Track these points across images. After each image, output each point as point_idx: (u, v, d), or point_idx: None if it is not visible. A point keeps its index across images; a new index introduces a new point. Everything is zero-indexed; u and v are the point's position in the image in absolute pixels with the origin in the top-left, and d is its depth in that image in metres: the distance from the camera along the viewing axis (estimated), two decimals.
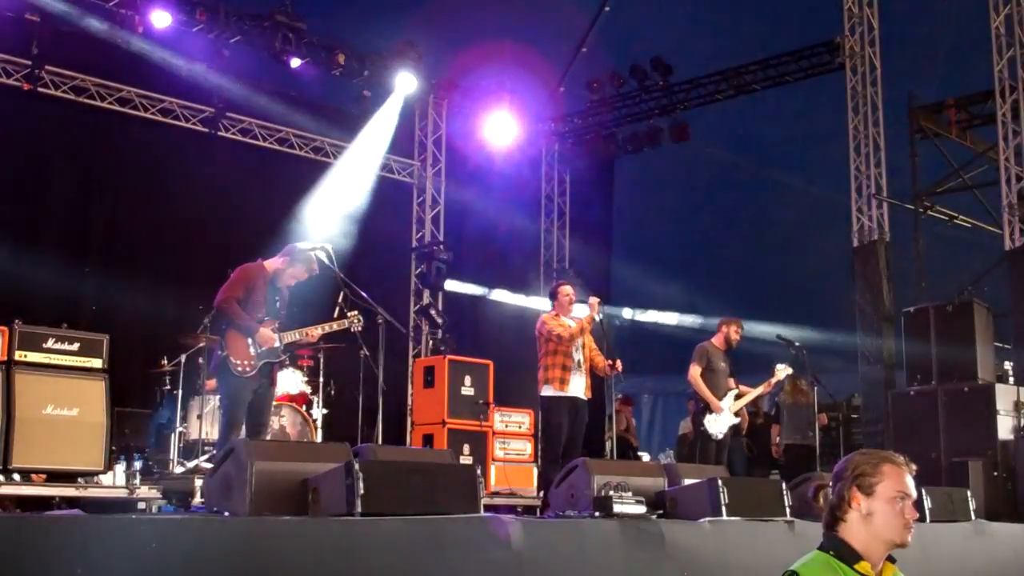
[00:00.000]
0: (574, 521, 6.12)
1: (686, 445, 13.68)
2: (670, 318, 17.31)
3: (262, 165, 14.21)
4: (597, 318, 9.19)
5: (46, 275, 11.75)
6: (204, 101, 13.37)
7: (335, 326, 7.95)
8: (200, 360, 9.56)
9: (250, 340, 7.25)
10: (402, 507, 5.08)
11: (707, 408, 9.88)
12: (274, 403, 9.78)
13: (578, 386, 9.06)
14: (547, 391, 9.03)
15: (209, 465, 8.18)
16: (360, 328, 8.16)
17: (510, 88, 15.77)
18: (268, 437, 7.63)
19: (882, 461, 3.28)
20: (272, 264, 7.56)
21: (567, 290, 9.42)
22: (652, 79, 15.64)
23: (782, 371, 10.31)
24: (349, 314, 8.01)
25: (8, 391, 8.31)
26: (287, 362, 9.33)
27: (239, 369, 7.21)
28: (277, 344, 7.37)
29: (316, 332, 7.77)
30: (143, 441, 10.64)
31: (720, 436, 9.90)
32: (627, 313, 17.28)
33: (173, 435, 9.69)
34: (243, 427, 7.37)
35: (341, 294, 9.08)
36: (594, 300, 9.23)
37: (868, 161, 13.33)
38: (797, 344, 10.54)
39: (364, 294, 9.02)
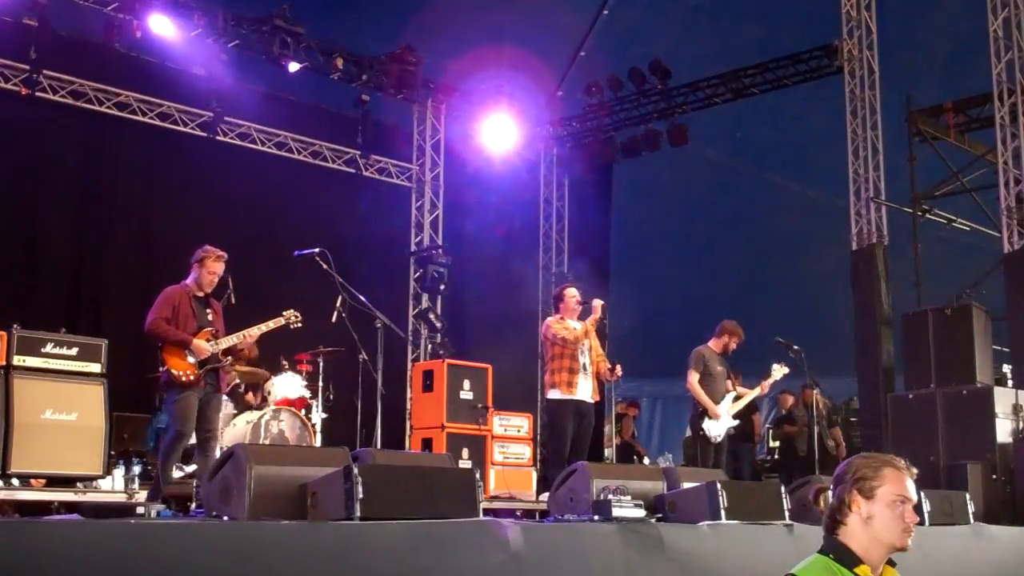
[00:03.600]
0: (573, 524, 6.12)
1: (692, 447, 13.72)
2: (669, 321, 17.29)
3: (260, 169, 14.21)
4: (601, 319, 9.18)
5: (44, 279, 11.75)
6: (202, 105, 13.36)
7: (272, 325, 8.12)
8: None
9: (187, 352, 7.45)
10: (401, 511, 5.07)
11: (705, 412, 9.87)
12: (277, 408, 9.82)
13: (585, 389, 9.08)
14: (554, 394, 9.05)
15: None
16: (299, 325, 8.35)
17: (508, 92, 15.77)
18: (216, 443, 7.85)
19: (883, 465, 3.28)
20: (191, 278, 7.76)
21: (572, 292, 9.45)
22: (650, 83, 15.64)
23: (778, 371, 10.30)
24: (284, 313, 8.22)
25: (7, 396, 8.31)
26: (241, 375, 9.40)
27: (183, 379, 7.41)
28: (214, 351, 7.55)
29: (254, 332, 7.97)
30: (142, 445, 10.63)
31: (719, 439, 9.90)
32: (626, 316, 17.27)
33: None
34: (192, 433, 7.52)
35: (339, 298, 9.10)
36: (598, 303, 9.25)
37: (866, 164, 13.34)
38: (795, 347, 10.53)
39: (362, 298, 9.03)
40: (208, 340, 7.58)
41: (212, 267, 7.68)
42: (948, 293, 12.01)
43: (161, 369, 7.50)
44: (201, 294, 7.77)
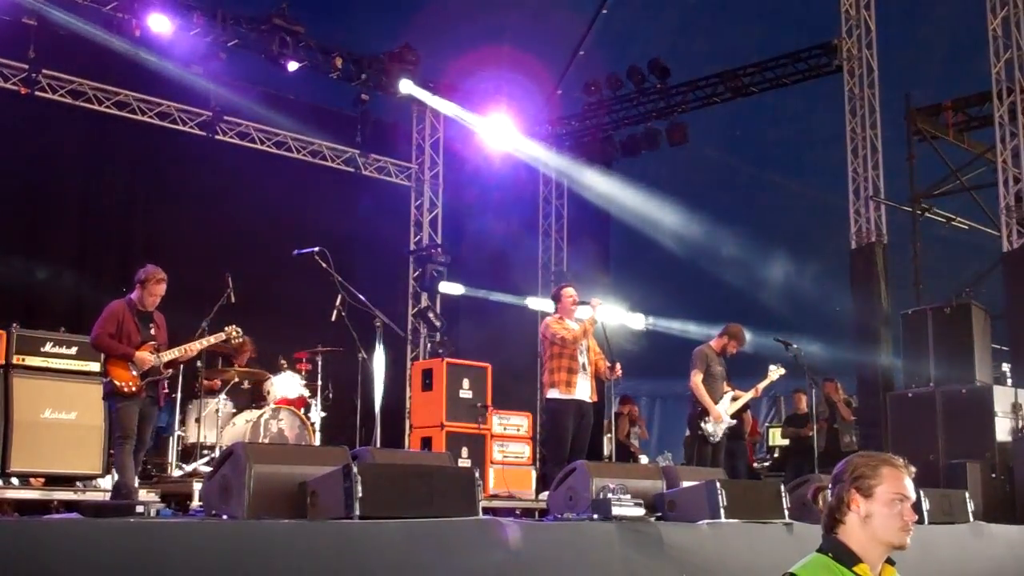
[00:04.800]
0: (573, 523, 6.12)
1: (692, 447, 13.69)
2: (668, 320, 17.31)
3: (260, 168, 14.20)
4: (598, 319, 9.21)
5: (43, 278, 11.75)
6: (201, 105, 13.36)
7: (213, 340, 8.39)
8: (199, 364, 9.56)
9: (130, 364, 7.63)
10: (400, 510, 5.08)
11: (704, 411, 9.87)
12: (276, 407, 9.82)
13: (584, 389, 9.08)
14: (553, 394, 9.05)
15: (207, 468, 8.20)
16: (240, 340, 8.80)
17: (508, 91, 15.77)
18: (143, 453, 7.95)
19: (881, 463, 3.27)
20: (135, 295, 7.91)
21: (570, 292, 9.45)
22: (650, 81, 15.64)
23: (775, 372, 10.30)
24: (226, 328, 8.48)
25: (6, 395, 8.33)
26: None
27: (125, 389, 7.58)
28: (155, 363, 7.74)
29: (195, 347, 8.23)
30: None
31: (717, 439, 9.90)
32: (625, 316, 17.27)
33: (171, 439, 9.69)
34: (135, 437, 7.60)
35: (339, 297, 9.09)
36: (596, 301, 9.26)
37: (866, 163, 13.34)
38: (794, 346, 10.54)
39: (362, 297, 9.02)
40: (151, 353, 7.75)
41: (153, 289, 7.87)
42: (947, 292, 12.01)
43: (104, 380, 7.66)
44: (144, 309, 7.92)
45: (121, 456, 7.48)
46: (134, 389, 7.58)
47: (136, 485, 7.63)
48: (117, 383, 7.55)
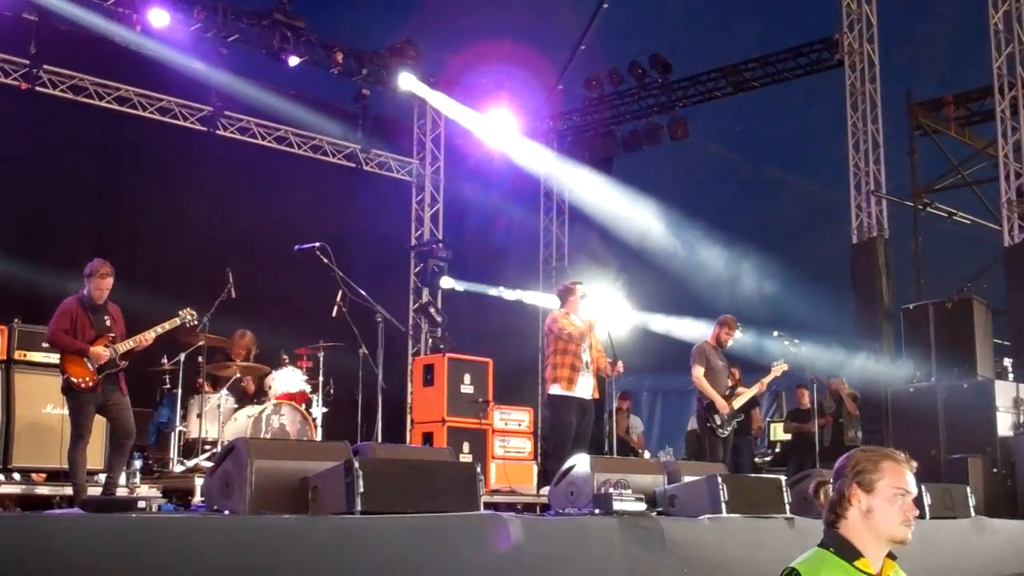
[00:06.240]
0: (574, 519, 6.12)
1: (695, 441, 13.69)
2: (668, 315, 17.29)
3: (260, 163, 14.21)
4: (602, 317, 9.19)
5: (44, 274, 11.74)
6: (202, 100, 13.36)
7: (168, 326, 8.28)
8: (200, 359, 9.56)
9: (85, 359, 7.61)
10: (402, 505, 5.08)
11: (711, 404, 9.87)
12: (277, 402, 9.82)
13: (586, 387, 9.06)
14: (555, 390, 9.04)
15: (209, 464, 8.20)
16: (194, 323, 8.55)
17: (509, 86, 15.76)
18: (131, 443, 7.91)
19: (882, 458, 3.27)
20: (85, 290, 7.91)
21: (581, 290, 9.41)
22: (651, 76, 15.64)
23: (778, 367, 10.31)
24: (180, 312, 8.39)
25: (8, 390, 8.34)
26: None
27: (81, 386, 7.58)
28: (111, 356, 7.72)
29: (150, 336, 8.13)
30: (143, 440, 10.60)
31: (726, 432, 9.91)
32: (626, 311, 17.24)
33: (173, 434, 9.68)
34: (89, 435, 7.59)
35: (340, 292, 9.10)
36: (600, 299, 9.26)
37: (867, 158, 13.33)
38: (796, 341, 10.53)
39: (363, 292, 9.03)
40: (106, 346, 7.74)
41: (98, 284, 7.84)
42: (949, 287, 12.01)
43: (62, 376, 7.63)
44: (95, 303, 7.90)
45: (74, 453, 7.48)
46: (91, 384, 7.58)
47: (114, 480, 7.61)
48: (74, 380, 7.55)
